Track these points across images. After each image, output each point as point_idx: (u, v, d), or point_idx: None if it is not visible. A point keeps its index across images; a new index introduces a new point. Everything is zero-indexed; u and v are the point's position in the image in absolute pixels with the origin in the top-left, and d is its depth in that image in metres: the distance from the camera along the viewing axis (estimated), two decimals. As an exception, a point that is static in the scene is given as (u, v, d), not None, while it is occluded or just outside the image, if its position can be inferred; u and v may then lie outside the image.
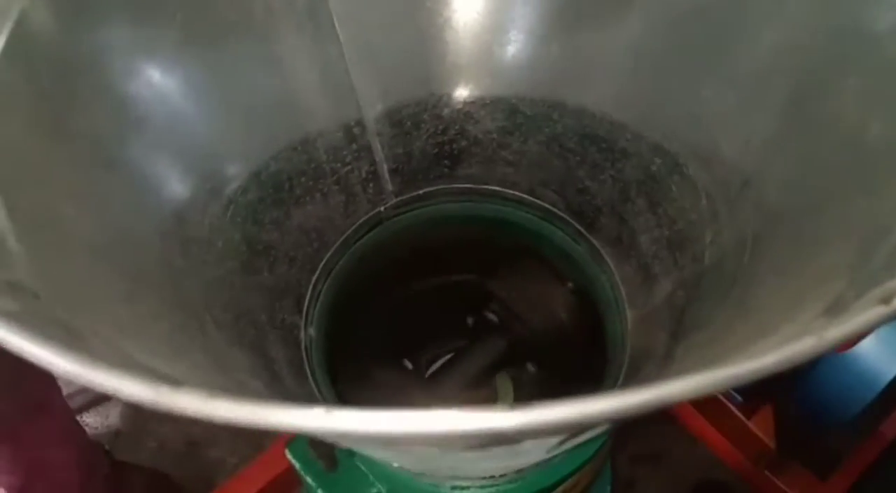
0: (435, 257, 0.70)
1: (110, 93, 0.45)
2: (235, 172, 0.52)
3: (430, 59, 0.61)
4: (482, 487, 0.57)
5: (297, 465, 0.65)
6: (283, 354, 0.55)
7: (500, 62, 0.61)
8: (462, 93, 0.62)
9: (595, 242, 0.64)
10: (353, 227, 0.64)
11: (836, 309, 0.29)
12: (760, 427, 1.18)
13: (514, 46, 0.61)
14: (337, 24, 0.56)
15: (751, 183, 0.46)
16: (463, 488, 0.57)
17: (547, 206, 0.65)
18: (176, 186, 0.46)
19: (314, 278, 0.62)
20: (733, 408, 1.17)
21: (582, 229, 0.64)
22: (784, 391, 1.09)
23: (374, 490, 0.61)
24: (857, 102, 0.40)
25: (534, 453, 0.47)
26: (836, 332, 0.23)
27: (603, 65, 0.58)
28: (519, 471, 0.56)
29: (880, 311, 0.23)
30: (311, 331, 0.61)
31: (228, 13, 0.49)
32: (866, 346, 0.99)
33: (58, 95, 0.41)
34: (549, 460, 0.57)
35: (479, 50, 0.61)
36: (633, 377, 0.54)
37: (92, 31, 0.44)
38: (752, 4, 0.47)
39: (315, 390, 0.57)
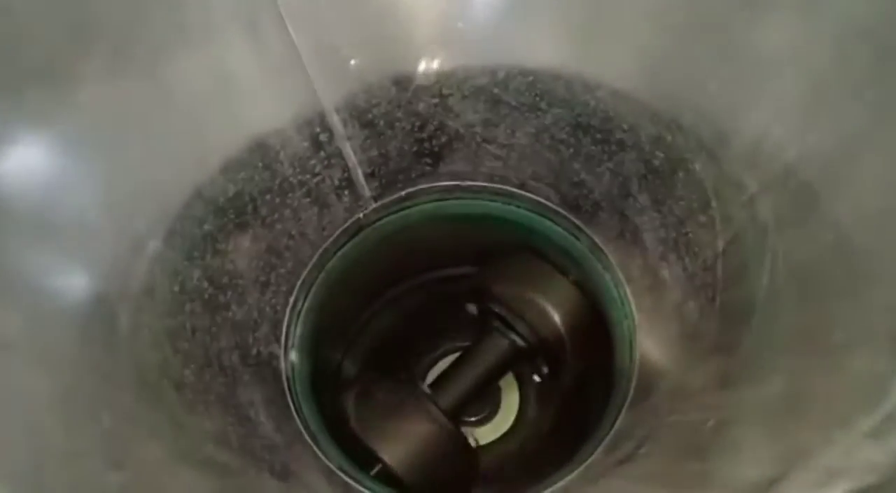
0: (423, 259, 0.65)
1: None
2: (180, 206, 0.46)
3: (394, 42, 0.55)
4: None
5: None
6: (260, 395, 0.50)
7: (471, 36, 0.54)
8: (434, 77, 0.56)
9: (595, 237, 0.58)
10: (331, 239, 0.59)
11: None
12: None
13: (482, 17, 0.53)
14: (287, 22, 0.49)
15: (769, 188, 0.40)
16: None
17: (540, 200, 0.60)
18: (82, 256, 0.40)
19: (292, 300, 0.57)
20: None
21: (580, 224, 0.59)
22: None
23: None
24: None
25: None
26: None
27: (598, 40, 0.51)
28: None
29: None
30: (293, 356, 0.56)
31: (162, 34, 0.42)
32: None
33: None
34: None
35: (445, 25, 0.54)
36: (645, 397, 0.49)
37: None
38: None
39: (300, 428, 0.52)
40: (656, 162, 0.50)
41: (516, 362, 0.66)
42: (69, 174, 0.40)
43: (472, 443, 0.68)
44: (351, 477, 0.51)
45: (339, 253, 0.60)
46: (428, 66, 0.53)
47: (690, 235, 0.48)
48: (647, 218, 0.53)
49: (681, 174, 0.48)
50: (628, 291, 0.56)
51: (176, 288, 0.46)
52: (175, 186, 0.46)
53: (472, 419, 0.71)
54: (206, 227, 0.49)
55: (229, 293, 0.51)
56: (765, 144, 0.41)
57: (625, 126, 0.51)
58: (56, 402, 0.33)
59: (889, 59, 0.34)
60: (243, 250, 0.52)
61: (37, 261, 0.38)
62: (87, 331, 0.37)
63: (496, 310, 0.65)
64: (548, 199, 0.59)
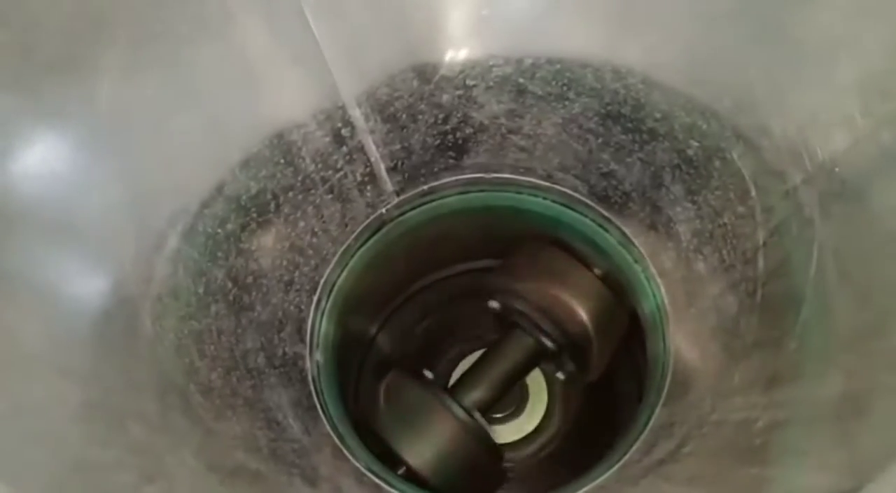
0: (446, 253, 0.63)
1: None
2: (201, 205, 0.44)
3: (418, 32, 0.53)
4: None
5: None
6: (286, 397, 0.49)
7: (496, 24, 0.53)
8: (459, 67, 0.54)
9: (625, 228, 0.57)
10: (354, 235, 0.58)
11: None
12: None
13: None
14: (307, 12, 0.48)
15: (814, 179, 0.39)
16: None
17: (568, 191, 0.58)
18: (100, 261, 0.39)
19: (315, 298, 0.56)
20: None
21: (609, 216, 0.57)
22: None
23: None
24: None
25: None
26: None
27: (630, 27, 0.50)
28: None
29: None
30: (318, 357, 0.55)
31: (180, 25, 0.41)
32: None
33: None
34: None
35: (469, 12, 0.53)
36: (682, 394, 0.48)
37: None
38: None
39: (329, 430, 0.51)
40: (690, 151, 0.49)
41: (541, 360, 0.65)
42: (88, 172, 0.39)
43: (498, 441, 0.67)
44: (380, 478, 0.50)
45: (363, 249, 0.58)
46: (453, 56, 0.51)
47: (728, 226, 0.46)
48: (681, 209, 0.51)
49: (717, 164, 0.47)
50: (661, 284, 0.55)
51: (200, 290, 0.45)
52: (196, 183, 0.45)
53: (498, 416, 0.70)
54: (230, 226, 0.48)
55: (254, 293, 0.50)
56: (810, 132, 0.39)
57: (657, 115, 0.49)
58: (80, 412, 0.32)
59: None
60: (267, 248, 0.51)
61: (57, 265, 0.37)
62: (109, 338, 0.36)
63: (519, 307, 0.64)
64: (575, 190, 0.58)
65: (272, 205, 0.51)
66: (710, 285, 0.49)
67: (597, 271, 0.62)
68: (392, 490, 0.49)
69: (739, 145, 0.45)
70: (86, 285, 0.38)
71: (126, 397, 0.35)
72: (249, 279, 0.49)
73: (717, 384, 0.43)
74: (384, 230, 0.59)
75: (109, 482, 0.29)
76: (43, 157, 0.37)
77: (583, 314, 0.60)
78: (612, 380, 0.65)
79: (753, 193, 0.44)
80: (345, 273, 0.58)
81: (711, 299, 0.49)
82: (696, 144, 0.48)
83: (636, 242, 0.56)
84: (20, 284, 0.35)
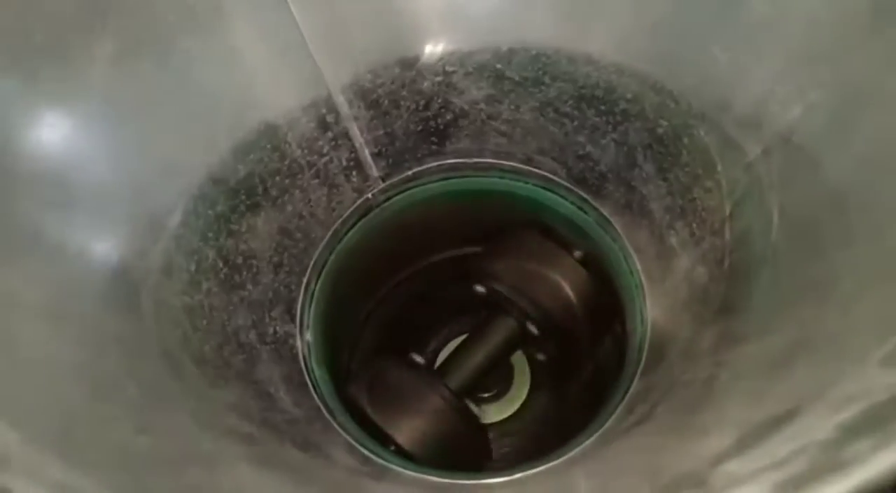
0: (432, 237, 0.65)
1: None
2: (193, 187, 0.46)
3: (399, 21, 0.55)
4: None
5: None
6: (277, 372, 0.51)
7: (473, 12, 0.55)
8: (438, 55, 0.56)
9: (602, 210, 0.59)
10: (341, 219, 0.60)
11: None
12: None
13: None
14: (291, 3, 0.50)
15: (772, 149, 0.41)
16: None
17: (547, 174, 0.60)
18: (106, 235, 0.41)
19: (305, 280, 0.58)
20: None
21: (587, 197, 0.59)
22: None
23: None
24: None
25: None
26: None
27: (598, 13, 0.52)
28: None
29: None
30: (308, 336, 0.57)
31: (167, 15, 0.43)
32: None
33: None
34: None
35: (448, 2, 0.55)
36: (658, 363, 0.50)
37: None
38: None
39: (319, 403, 0.53)
40: (660, 130, 0.51)
41: (524, 340, 0.67)
42: (85, 152, 0.41)
43: (486, 420, 0.69)
44: (370, 451, 0.51)
45: (350, 233, 0.60)
46: (432, 43, 0.53)
47: (697, 201, 0.48)
48: (654, 187, 0.53)
49: (685, 141, 0.49)
50: (637, 261, 0.57)
51: (192, 267, 0.47)
52: (187, 166, 0.47)
53: (485, 395, 0.72)
54: (219, 208, 0.50)
55: (244, 273, 0.51)
56: (768, 104, 0.42)
57: (628, 95, 0.51)
58: (82, 370, 0.33)
59: (888, 10, 0.35)
60: (256, 230, 0.53)
61: (60, 233, 0.39)
62: (112, 303, 0.38)
63: (502, 291, 0.66)
64: (554, 173, 0.60)
65: (260, 188, 0.53)
66: (682, 258, 0.51)
67: (577, 253, 0.64)
68: (380, 461, 0.50)
69: (705, 122, 0.47)
70: (89, 251, 0.40)
71: (124, 360, 0.37)
72: (240, 260, 0.51)
73: (688, 349, 0.46)
74: (371, 215, 0.61)
75: (106, 432, 0.31)
76: (43, 135, 0.39)
77: (560, 294, 0.62)
78: (596, 358, 0.67)
79: (720, 167, 0.47)
80: (333, 256, 0.60)
81: (684, 271, 0.51)
82: (665, 123, 0.50)
83: (613, 221, 0.58)
84: (27, 248, 0.37)
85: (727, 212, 0.46)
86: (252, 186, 0.52)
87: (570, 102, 0.55)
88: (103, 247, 0.40)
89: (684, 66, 0.47)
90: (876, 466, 0.20)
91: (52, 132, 0.39)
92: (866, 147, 0.35)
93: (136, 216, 0.43)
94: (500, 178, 0.62)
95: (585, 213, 0.60)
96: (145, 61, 0.45)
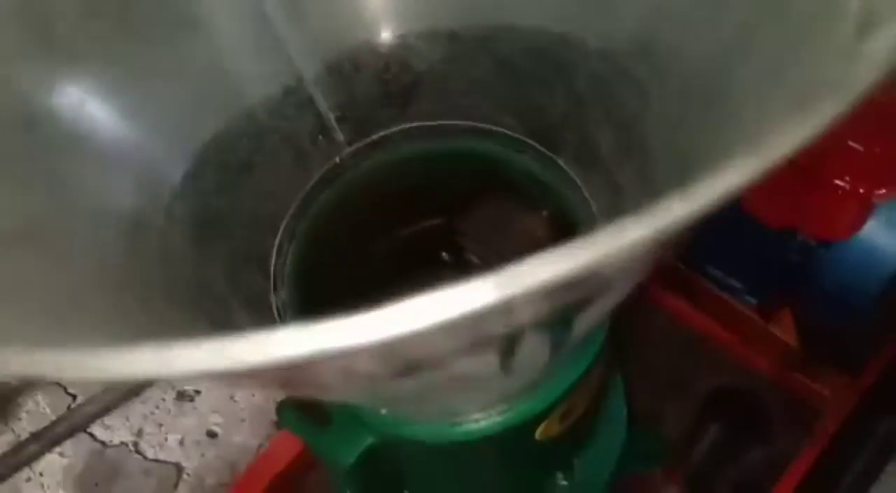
0: (403, 199, 0.68)
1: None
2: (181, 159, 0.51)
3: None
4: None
5: (289, 426, 0.65)
6: (250, 319, 0.54)
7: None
8: (397, 28, 0.60)
9: (559, 160, 0.61)
10: (311, 183, 0.62)
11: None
12: (781, 331, 1.15)
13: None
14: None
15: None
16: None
17: (506, 132, 0.63)
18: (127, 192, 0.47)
19: (277, 241, 0.60)
20: (749, 313, 1.15)
21: (544, 150, 0.62)
22: (799, 290, 1.06)
23: (370, 441, 0.61)
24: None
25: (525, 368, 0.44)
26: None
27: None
28: (507, 399, 0.55)
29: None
30: (283, 295, 0.60)
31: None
32: (875, 229, 0.95)
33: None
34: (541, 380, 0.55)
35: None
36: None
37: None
38: None
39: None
40: (602, 74, 0.53)
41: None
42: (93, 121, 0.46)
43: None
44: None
45: (321, 197, 0.63)
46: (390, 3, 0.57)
47: (637, 132, 0.51)
48: (602, 132, 0.56)
49: (624, 81, 0.52)
50: (594, 207, 0.59)
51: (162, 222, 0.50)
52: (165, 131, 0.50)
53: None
54: (189, 168, 0.53)
55: (215, 229, 0.54)
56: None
57: (571, 42, 0.54)
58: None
59: None
60: (225, 191, 0.56)
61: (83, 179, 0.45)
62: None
63: (469, 258, 0.69)
64: (512, 129, 0.62)
65: (228, 152, 0.56)
66: (631, 198, 0.54)
67: (544, 211, 0.67)
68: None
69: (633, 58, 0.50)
70: (108, 195, 0.47)
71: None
72: (209, 215, 0.54)
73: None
74: (339, 180, 0.64)
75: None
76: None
77: (526, 249, 0.64)
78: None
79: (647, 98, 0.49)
80: (305, 220, 0.62)
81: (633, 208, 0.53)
82: (604, 66, 0.52)
83: (569, 170, 0.61)
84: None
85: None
86: (220, 148, 0.55)
87: (523, 57, 0.58)
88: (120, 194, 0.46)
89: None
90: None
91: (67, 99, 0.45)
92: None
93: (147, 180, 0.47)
94: (463, 138, 0.64)
95: (545, 167, 0.62)
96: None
